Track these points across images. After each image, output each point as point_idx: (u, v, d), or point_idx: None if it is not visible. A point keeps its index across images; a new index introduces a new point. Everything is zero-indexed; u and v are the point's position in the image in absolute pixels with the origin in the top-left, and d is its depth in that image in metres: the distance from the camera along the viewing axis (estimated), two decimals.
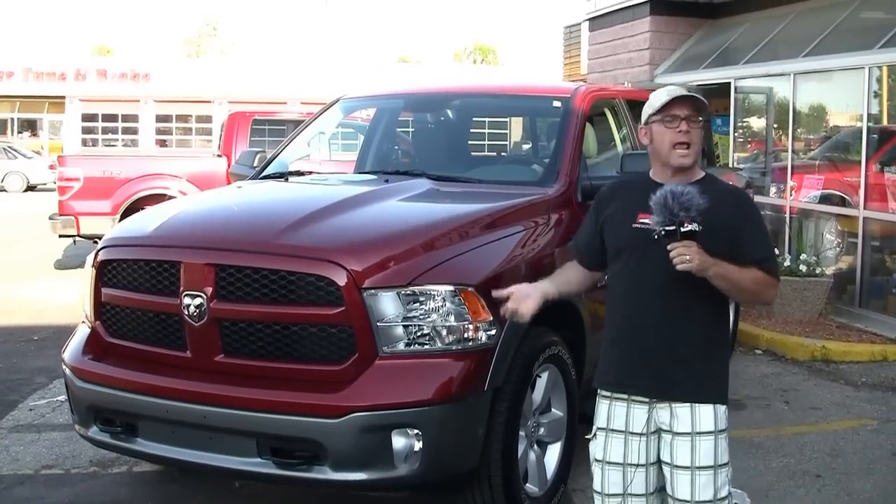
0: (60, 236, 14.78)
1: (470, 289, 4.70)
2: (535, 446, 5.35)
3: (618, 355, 3.89)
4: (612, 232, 3.90)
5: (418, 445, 4.50)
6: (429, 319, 4.61)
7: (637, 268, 3.79)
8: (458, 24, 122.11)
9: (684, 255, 3.48)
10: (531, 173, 6.69)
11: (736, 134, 14.04)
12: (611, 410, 3.89)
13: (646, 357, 3.79)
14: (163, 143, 45.61)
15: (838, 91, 12.41)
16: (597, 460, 3.92)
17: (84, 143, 44.94)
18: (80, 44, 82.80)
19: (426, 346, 4.62)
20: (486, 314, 4.71)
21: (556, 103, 6.76)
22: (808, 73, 12.19)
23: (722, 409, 3.81)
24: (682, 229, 3.47)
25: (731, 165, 13.48)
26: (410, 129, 8.17)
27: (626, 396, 3.86)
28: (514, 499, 4.99)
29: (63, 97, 45.93)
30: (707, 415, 3.76)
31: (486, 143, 13.62)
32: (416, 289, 4.62)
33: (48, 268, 15.03)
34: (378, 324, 4.56)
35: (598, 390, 3.98)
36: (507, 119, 12.90)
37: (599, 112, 7.17)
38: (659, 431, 3.84)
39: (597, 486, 3.93)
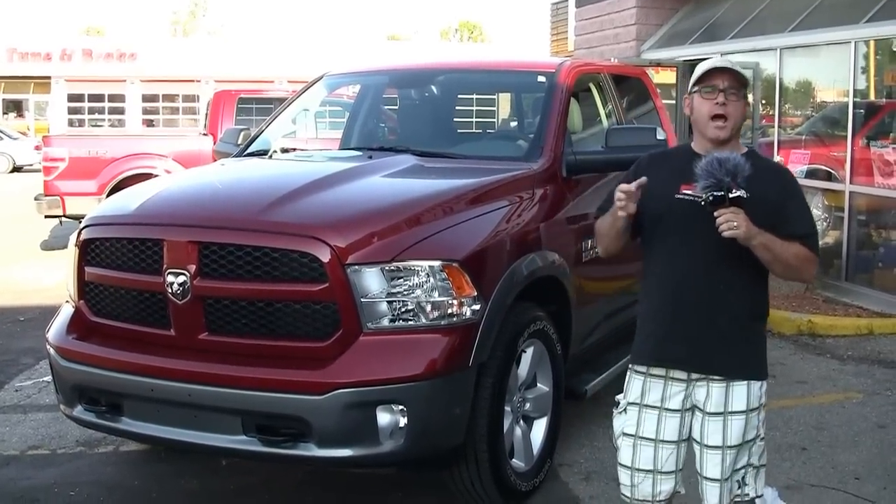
0: (46, 217, 14.69)
1: (454, 264, 4.69)
2: (521, 422, 5.35)
3: (657, 329, 3.86)
4: (653, 202, 3.80)
5: (403, 421, 4.49)
6: (413, 295, 4.59)
7: (679, 240, 3.76)
8: (444, 1, 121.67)
9: (732, 222, 3.46)
10: (516, 149, 6.65)
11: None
12: (646, 385, 3.88)
13: (687, 330, 3.77)
14: (149, 123, 45.43)
15: (825, 66, 12.40)
16: (627, 434, 3.91)
17: (70, 123, 44.74)
18: (68, 24, 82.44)
19: (410, 322, 4.60)
20: (470, 289, 4.70)
21: (541, 78, 6.74)
22: (795, 48, 12.20)
23: (757, 385, 3.82)
24: (731, 195, 3.45)
25: None
26: (396, 106, 8.13)
27: (663, 373, 3.84)
28: (500, 474, 5.00)
29: (49, 77, 45.71)
30: (740, 394, 3.77)
31: (474, 119, 13.60)
32: (400, 264, 4.60)
33: (34, 249, 14.99)
34: (362, 300, 4.54)
35: (632, 365, 3.96)
36: (495, 95, 12.88)
37: (584, 87, 7.15)
38: (693, 408, 3.84)
39: (625, 460, 3.92)
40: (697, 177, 3.51)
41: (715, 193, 3.46)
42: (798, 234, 3.70)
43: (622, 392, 4.01)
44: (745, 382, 3.79)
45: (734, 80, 3.75)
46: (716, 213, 3.48)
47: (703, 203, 3.51)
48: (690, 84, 3.85)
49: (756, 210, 3.52)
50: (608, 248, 4.03)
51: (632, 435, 3.89)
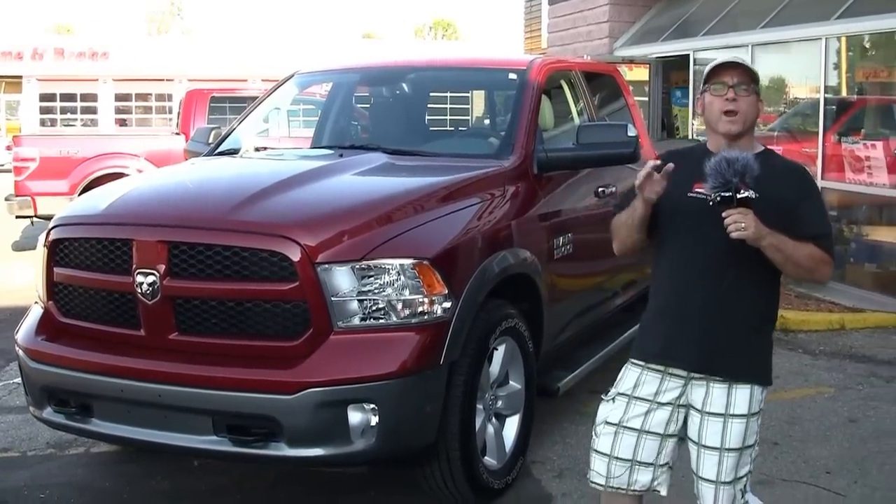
0: (17, 217, 14.60)
1: (425, 262, 4.68)
2: (494, 419, 5.35)
3: (664, 328, 3.82)
4: (666, 200, 3.76)
5: (374, 420, 4.48)
6: (384, 293, 4.58)
7: (690, 239, 3.72)
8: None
9: (739, 223, 3.41)
10: (487, 146, 6.65)
11: (695, 106, 14.06)
12: (641, 378, 3.83)
13: (694, 331, 3.72)
14: (122, 122, 45.18)
15: (796, 62, 12.47)
16: (609, 423, 3.86)
17: (42, 122, 44.46)
18: (37, 22, 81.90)
19: (381, 321, 4.59)
20: (441, 287, 4.69)
21: (512, 76, 6.72)
22: (767, 45, 12.25)
23: (759, 389, 3.75)
24: (738, 196, 3.40)
25: (690, 137, 13.54)
26: (368, 105, 8.11)
27: (662, 368, 3.80)
28: (472, 472, 4.99)
29: (20, 77, 45.37)
30: (742, 397, 3.72)
31: (448, 117, 13.61)
32: (371, 263, 4.59)
33: (5, 249, 14.89)
34: (332, 298, 4.53)
35: (632, 359, 3.92)
36: (469, 93, 12.89)
37: (556, 84, 7.15)
38: (688, 407, 3.80)
39: (603, 448, 3.86)
40: (706, 176, 3.47)
41: (723, 194, 3.42)
42: (811, 234, 3.63)
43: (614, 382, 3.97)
44: (749, 386, 3.74)
45: (744, 76, 3.71)
46: (724, 214, 3.44)
47: (711, 203, 3.47)
48: (702, 83, 3.82)
49: (768, 210, 3.48)
50: (624, 242, 3.95)
51: (615, 424, 3.85)
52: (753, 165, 3.43)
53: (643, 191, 3.66)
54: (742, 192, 3.41)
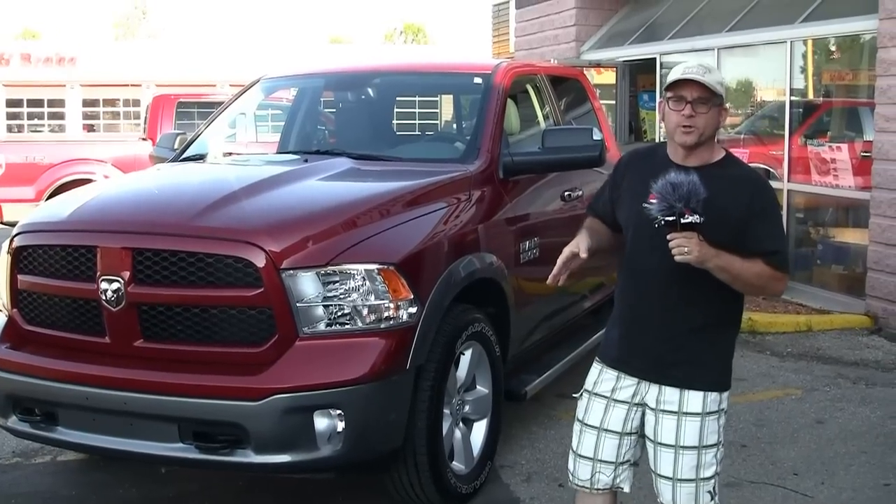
0: None
1: (390, 267, 4.68)
2: (461, 424, 5.35)
3: (617, 334, 3.87)
4: (624, 207, 3.82)
5: (341, 426, 4.49)
6: (349, 299, 4.58)
7: (645, 248, 3.70)
8: (388, 4, 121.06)
9: (683, 247, 3.39)
10: (452, 150, 6.63)
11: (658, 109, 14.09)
12: (600, 375, 3.88)
13: (643, 341, 3.75)
14: (90, 128, 44.92)
15: (762, 65, 12.52)
16: (578, 420, 3.93)
17: (10, 129, 44.14)
18: (5, 29, 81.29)
19: (347, 326, 4.60)
20: (406, 292, 4.69)
21: (477, 80, 6.72)
22: (733, 48, 12.30)
23: (711, 395, 3.73)
24: (682, 220, 3.37)
25: (657, 140, 13.57)
26: (334, 110, 8.11)
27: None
28: (439, 477, 4.99)
29: None
30: (696, 396, 3.72)
31: (417, 122, 13.61)
32: (336, 268, 4.59)
33: None
34: (297, 304, 4.52)
35: (597, 355, 3.98)
36: (437, 98, 12.88)
37: (522, 88, 7.16)
38: (643, 405, 3.81)
39: (573, 444, 3.95)
40: (654, 196, 3.45)
41: (667, 218, 3.40)
42: (763, 251, 3.60)
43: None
44: (701, 392, 3.73)
45: (703, 91, 3.62)
46: (668, 237, 3.43)
47: (656, 225, 3.46)
48: (664, 89, 3.77)
49: (718, 223, 3.47)
50: None
51: (580, 421, 3.92)
52: (699, 190, 3.38)
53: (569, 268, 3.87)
54: (686, 216, 3.38)
